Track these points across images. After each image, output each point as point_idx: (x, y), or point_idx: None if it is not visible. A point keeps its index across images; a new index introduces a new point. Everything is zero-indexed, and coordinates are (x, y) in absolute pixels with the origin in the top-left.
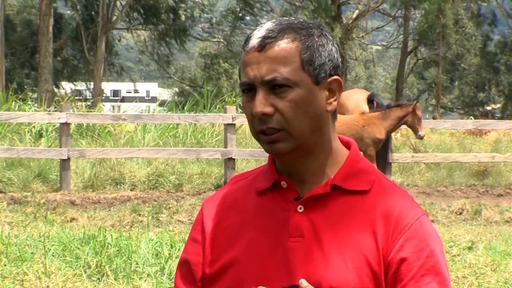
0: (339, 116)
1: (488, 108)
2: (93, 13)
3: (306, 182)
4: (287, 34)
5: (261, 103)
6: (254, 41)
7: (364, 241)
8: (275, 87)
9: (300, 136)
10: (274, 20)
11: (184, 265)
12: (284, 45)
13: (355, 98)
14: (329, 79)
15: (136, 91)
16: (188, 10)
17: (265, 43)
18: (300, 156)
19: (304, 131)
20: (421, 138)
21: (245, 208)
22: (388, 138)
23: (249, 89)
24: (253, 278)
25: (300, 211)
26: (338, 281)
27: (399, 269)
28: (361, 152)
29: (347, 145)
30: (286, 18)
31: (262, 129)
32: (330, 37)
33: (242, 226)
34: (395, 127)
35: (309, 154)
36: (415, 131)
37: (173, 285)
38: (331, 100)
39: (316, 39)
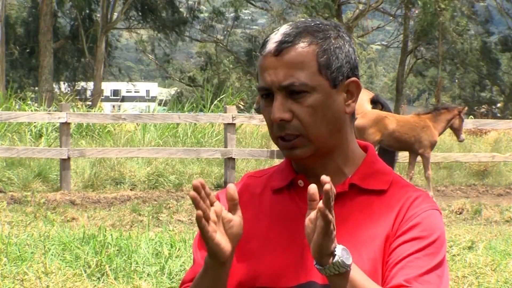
0: (400, 117)
1: (488, 107)
2: (93, 13)
3: None
4: (304, 38)
5: (279, 109)
6: (271, 45)
7: (379, 235)
8: (292, 92)
9: (318, 141)
10: (290, 23)
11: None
12: (301, 49)
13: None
14: (347, 81)
15: (130, 91)
16: (186, 4)
17: (281, 48)
18: (318, 158)
19: (322, 135)
20: (463, 141)
21: (261, 205)
22: None
23: (267, 94)
24: (268, 272)
25: None
26: None
27: (395, 250)
28: (419, 155)
29: (364, 148)
30: (303, 20)
31: (280, 135)
32: (347, 38)
33: (258, 222)
34: (444, 130)
35: (328, 156)
36: (458, 134)
37: (173, 284)
38: (349, 101)
39: (333, 41)
